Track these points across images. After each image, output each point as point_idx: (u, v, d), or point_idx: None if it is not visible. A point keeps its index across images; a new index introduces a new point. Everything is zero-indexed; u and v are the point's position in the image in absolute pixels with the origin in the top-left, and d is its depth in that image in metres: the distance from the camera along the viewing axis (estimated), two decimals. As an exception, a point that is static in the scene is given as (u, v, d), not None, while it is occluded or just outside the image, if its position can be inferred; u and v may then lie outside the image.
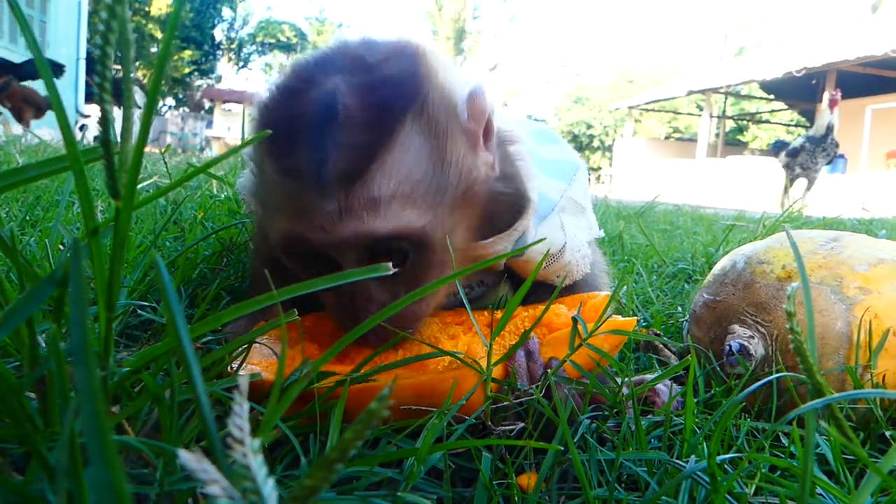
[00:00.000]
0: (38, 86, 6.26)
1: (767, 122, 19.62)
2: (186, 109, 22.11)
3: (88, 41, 10.98)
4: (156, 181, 1.65)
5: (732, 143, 20.12)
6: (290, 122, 0.56)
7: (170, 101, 24.92)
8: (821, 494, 0.47)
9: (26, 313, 0.33)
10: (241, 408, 0.26)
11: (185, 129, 18.49)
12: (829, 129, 6.48)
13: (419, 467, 0.44)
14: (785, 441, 0.62)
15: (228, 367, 0.54)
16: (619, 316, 0.62)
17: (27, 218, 1.17)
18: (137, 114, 0.35)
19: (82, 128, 6.12)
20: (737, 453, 0.55)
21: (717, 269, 0.84)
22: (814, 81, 12.68)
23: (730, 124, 20.47)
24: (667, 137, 24.08)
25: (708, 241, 2.09)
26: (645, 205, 3.13)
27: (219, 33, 25.61)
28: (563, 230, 0.75)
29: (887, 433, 0.64)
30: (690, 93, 14.52)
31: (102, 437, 0.24)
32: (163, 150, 1.42)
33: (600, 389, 0.58)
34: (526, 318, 0.67)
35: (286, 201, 0.57)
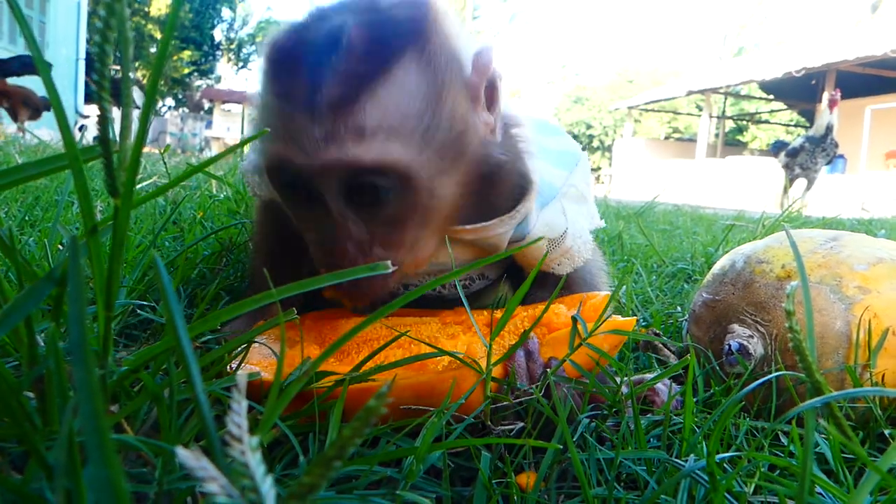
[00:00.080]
0: (37, 86, 6.26)
1: (767, 122, 19.63)
2: (186, 110, 22.09)
3: (88, 42, 10.98)
4: (155, 181, 1.65)
5: (732, 143, 20.14)
6: (295, 50, 0.57)
7: (169, 101, 24.92)
8: (820, 493, 0.47)
9: (25, 312, 0.33)
10: (240, 406, 0.26)
11: (185, 129, 18.48)
12: (829, 129, 6.49)
13: (418, 466, 0.44)
14: (784, 440, 0.62)
15: (227, 367, 0.54)
16: (619, 316, 0.62)
17: (26, 218, 1.17)
18: (136, 113, 0.35)
19: (81, 128, 6.12)
20: (736, 452, 0.55)
21: (716, 268, 0.84)
22: (813, 81, 12.68)
23: (729, 124, 20.49)
24: (666, 137, 24.10)
25: (707, 240, 2.09)
26: (644, 205, 3.13)
27: (218, 34, 25.61)
28: (564, 215, 0.76)
29: (886, 432, 0.64)
30: (690, 93, 14.52)
31: (101, 435, 0.24)
32: (162, 151, 1.42)
33: (600, 389, 0.58)
34: (525, 318, 0.67)
35: (279, 125, 0.58)
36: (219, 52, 25.83)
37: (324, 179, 0.57)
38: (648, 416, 0.60)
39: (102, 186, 1.50)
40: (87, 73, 10.88)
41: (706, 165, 12.83)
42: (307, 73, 0.55)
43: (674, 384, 0.65)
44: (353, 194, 0.58)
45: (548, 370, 0.57)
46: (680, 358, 0.84)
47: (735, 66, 16.29)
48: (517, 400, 0.55)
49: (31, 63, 6.03)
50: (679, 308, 1.12)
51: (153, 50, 21.75)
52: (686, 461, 0.49)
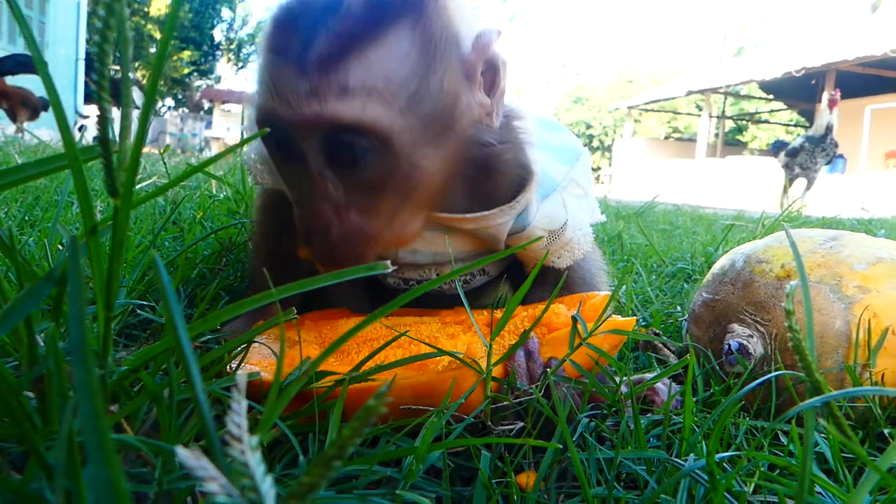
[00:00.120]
0: (36, 87, 6.26)
1: (767, 122, 19.64)
2: (185, 110, 22.09)
3: (87, 42, 10.98)
4: (155, 181, 1.65)
5: (732, 143, 20.14)
6: (297, 9, 0.58)
7: (169, 101, 24.90)
8: (819, 493, 0.47)
9: (25, 312, 0.33)
10: (240, 406, 0.26)
11: (185, 129, 18.48)
12: (829, 129, 6.49)
13: (418, 466, 0.44)
14: (784, 439, 0.62)
15: (227, 367, 0.54)
16: (619, 315, 0.62)
17: (26, 218, 1.17)
18: (136, 114, 0.35)
19: (81, 128, 6.12)
20: (736, 452, 0.55)
21: (716, 268, 0.84)
22: (813, 81, 12.68)
23: (729, 124, 20.49)
24: (666, 137, 24.10)
25: (707, 240, 2.09)
26: (644, 205, 3.13)
27: (218, 34, 25.60)
28: (564, 208, 0.76)
29: (886, 431, 0.64)
30: (690, 93, 14.52)
31: (101, 435, 0.24)
32: (162, 151, 1.42)
33: (599, 388, 0.58)
34: (525, 318, 0.67)
35: (270, 79, 0.58)
36: (218, 53, 25.82)
37: (305, 135, 0.58)
38: (648, 415, 0.60)
39: (102, 186, 1.51)
40: (87, 73, 10.88)
41: (706, 165, 12.83)
42: (302, 31, 0.56)
43: (673, 384, 0.65)
44: (333, 153, 0.59)
45: (548, 370, 0.57)
46: (680, 358, 0.84)
47: (735, 66, 16.29)
48: (517, 400, 0.55)
49: (27, 62, 6.04)
50: (679, 308, 1.12)
51: (153, 50, 21.73)
52: (686, 461, 0.49)
